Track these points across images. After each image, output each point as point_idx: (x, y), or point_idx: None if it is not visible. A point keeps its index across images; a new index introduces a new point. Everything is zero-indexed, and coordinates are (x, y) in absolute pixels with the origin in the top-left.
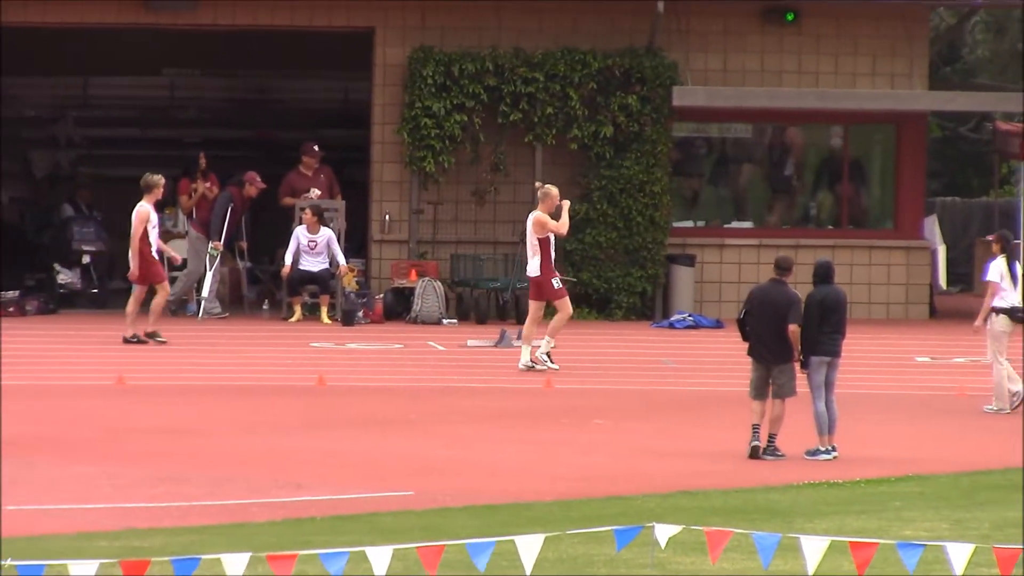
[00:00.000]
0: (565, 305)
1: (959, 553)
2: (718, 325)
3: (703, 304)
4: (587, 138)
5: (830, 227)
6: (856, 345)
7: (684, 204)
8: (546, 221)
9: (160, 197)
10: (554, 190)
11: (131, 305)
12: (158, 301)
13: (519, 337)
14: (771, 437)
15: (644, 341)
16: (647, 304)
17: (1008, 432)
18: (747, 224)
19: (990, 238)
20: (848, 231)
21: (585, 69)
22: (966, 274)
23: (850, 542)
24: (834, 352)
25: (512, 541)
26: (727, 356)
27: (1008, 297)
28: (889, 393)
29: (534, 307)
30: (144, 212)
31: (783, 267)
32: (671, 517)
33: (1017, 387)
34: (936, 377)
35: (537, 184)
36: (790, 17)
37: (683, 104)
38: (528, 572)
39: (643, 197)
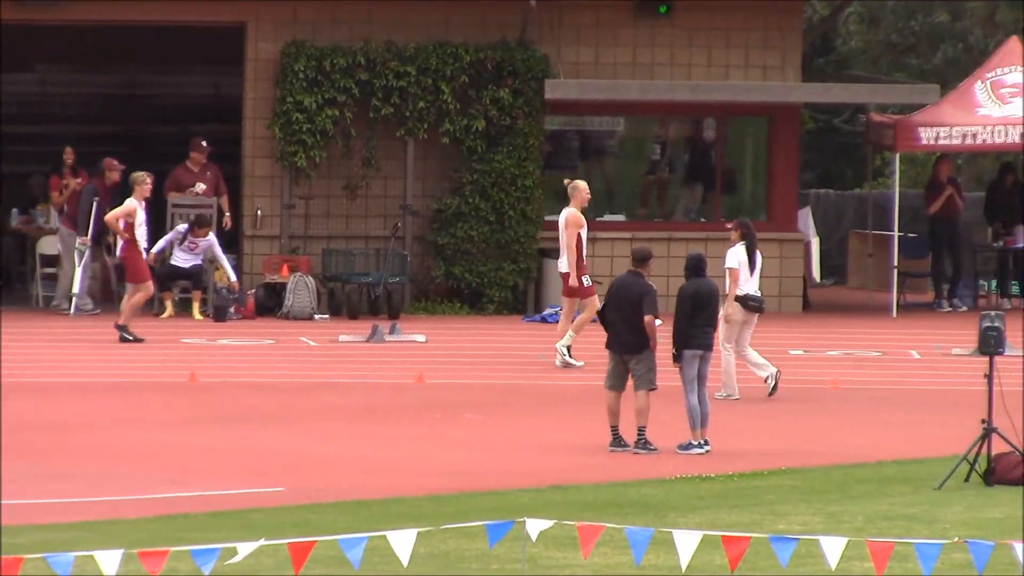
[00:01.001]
0: (592, 304)
1: (833, 547)
2: (553, 319)
3: None
4: (459, 132)
5: (703, 220)
6: None
7: (556, 198)
8: (578, 218)
9: (148, 195)
10: (582, 184)
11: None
12: (137, 299)
13: (391, 332)
14: (640, 430)
15: (516, 335)
16: (519, 298)
17: (881, 425)
18: (619, 217)
19: (729, 225)
20: (721, 223)
21: (457, 63)
22: (840, 266)
23: (723, 536)
24: (706, 346)
25: (384, 537)
26: (599, 350)
27: (745, 285)
28: (758, 387)
29: (567, 304)
30: (130, 207)
31: (640, 258)
32: (543, 512)
33: (766, 372)
34: (810, 370)
35: (566, 180)
36: (663, 10)
37: (555, 97)
38: (404, 566)
39: (515, 191)
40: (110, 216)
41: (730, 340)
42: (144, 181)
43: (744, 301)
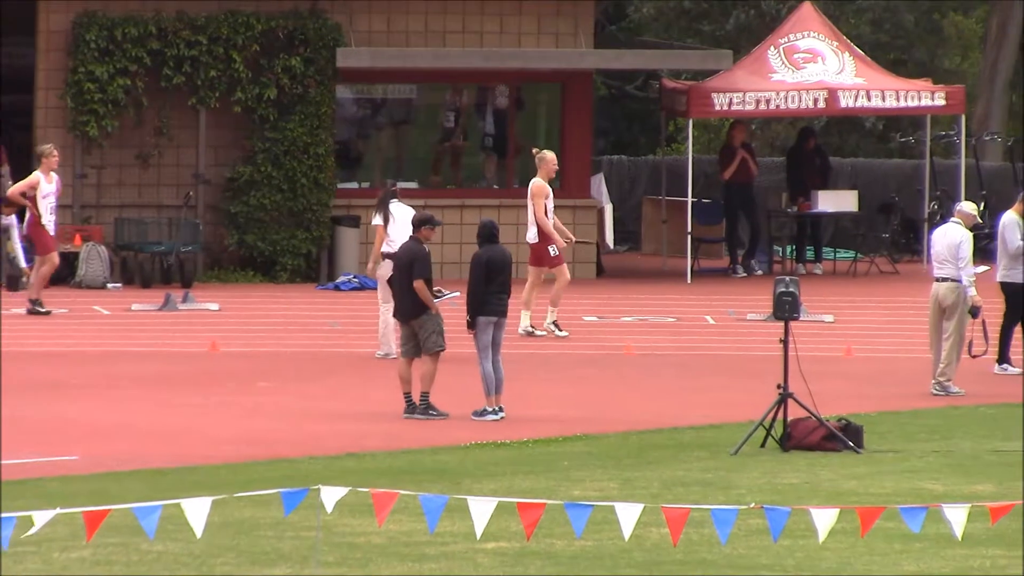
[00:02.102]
0: (562, 272)
1: (628, 513)
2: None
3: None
4: (251, 101)
5: (495, 187)
6: (522, 305)
7: (349, 165)
8: (543, 188)
9: (55, 167)
10: (550, 155)
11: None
12: (44, 271)
13: (184, 300)
14: (424, 395)
15: (309, 303)
16: (312, 266)
17: (677, 391)
18: (412, 185)
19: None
20: (514, 190)
21: (249, 32)
22: (634, 232)
23: (518, 503)
24: (500, 312)
25: (179, 505)
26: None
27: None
28: (557, 353)
29: (533, 272)
30: (34, 179)
31: (415, 223)
32: (338, 479)
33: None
34: (604, 336)
35: (534, 150)
36: None
37: (347, 66)
38: (199, 535)
39: (307, 159)
40: (13, 190)
41: (387, 300)
42: (51, 154)
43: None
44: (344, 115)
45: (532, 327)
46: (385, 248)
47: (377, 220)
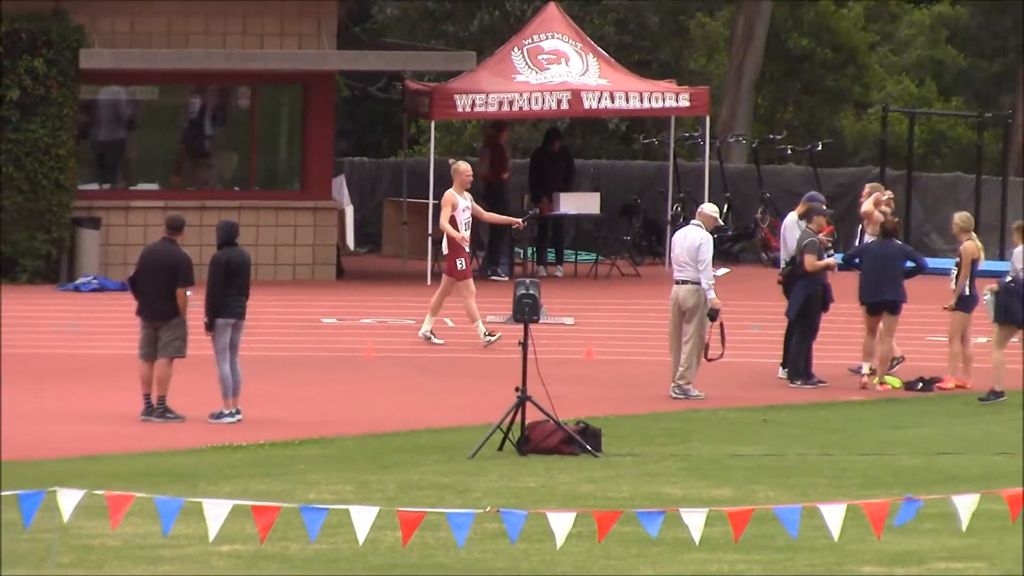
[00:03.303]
0: (466, 286)
1: (363, 516)
2: (124, 288)
3: (109, 267)
4: None
5: (236, 188)
6: (263, 307)
7: (91, 166)
8: (450, 197)
9: None
10: (462, 166)
11: None
12: None
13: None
14: (161, 399)
15: (50, 305)
16: (52, 267)
17: (416, 394)
18: (153, 186)
19: None
20: (255, 192)
21: None
22: (375, 234)
23: (253, 506)
24: (239, 314)
25: None
26: (132, 319)
27: None
28: (296, 355)
29: (445, 281)
30: None
31: (174, 226)
32: (74, 482)
33: None
34: (343, 338)
35: (451, 161)
36: None
37: (90, 67)
38: None
39: (49, 160)
40: None
41: None
42: None
43: None
44: (87, 117)
45: (431, 333)
46: None
47: None
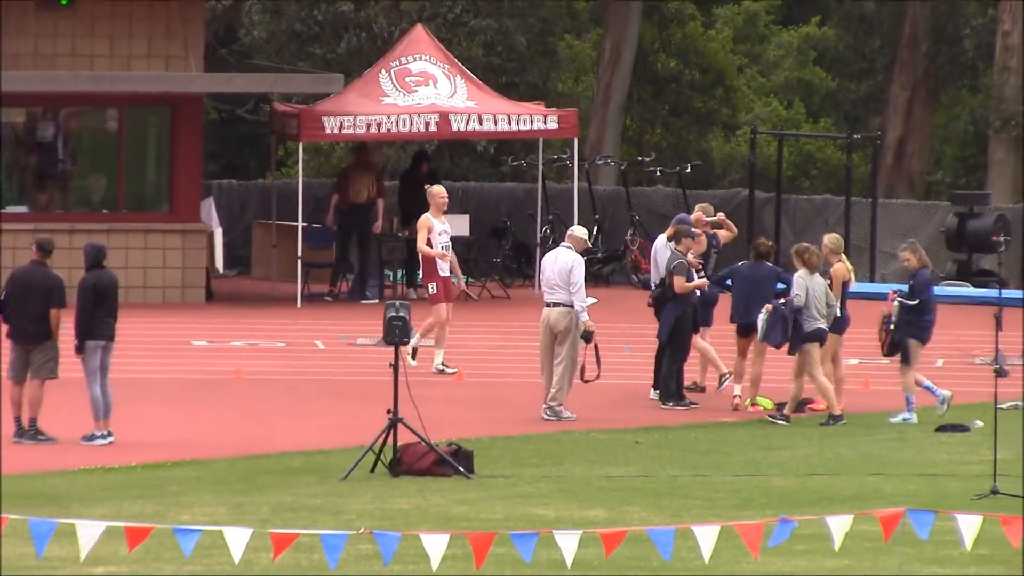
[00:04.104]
0: (436, 311)
1: (237, 538)
2: None
3: None
4: None
5: (105, 211)
6: (132, 329)
7: None
8: (423, 226)
9: None
10: (435, 189)
11: None
12: None
13: None
14: (32, 421)
15: None
16: None
17: (287, 416)
18: (22, 209)
19: None
20: (123, 214)
21: None
22: (244, 256)
23: (126, 527)
24: (109, 336)
25: None
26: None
27: None
28: (167, 377)
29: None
30: None
31: (44, 249)
32: None
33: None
34: (213, 360)
35: (426, 186)
36: (64, 1)
37: None
38: None
39: None
40: None
41: None
42: None
43: None
44: None
45: (444, 364)
46: None
47: None
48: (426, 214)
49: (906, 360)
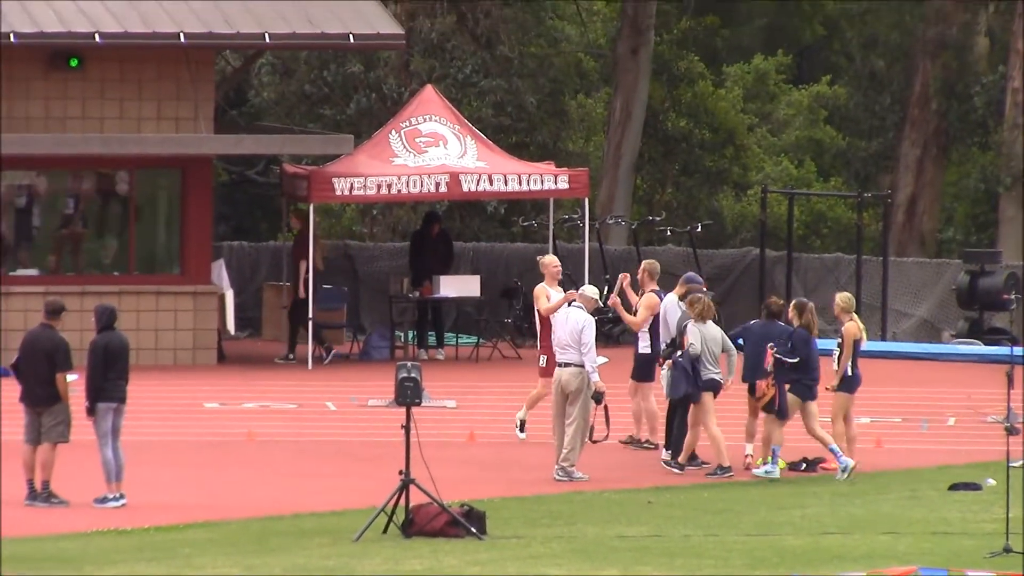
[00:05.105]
0: (544, 383)
1: None
2: (5, 373)
3: None
4: None
5: (116, 273)
6: (144, 391)
7: None
8: (540, 295)
9: None
10: (547, 259)
11: None
12: None
13: None
14: (45, 483)
15: None
16: None
17: (299, 477)
18: (33, 272)
19: None
20: (135, 276)
21: None
22: (255, 318)
23: None
24: (120, 398)
25: None
26: (16, 404)
27: None
28: (179, 439)
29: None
30: None
31: (52, 311)
32: None
33: None
34: (226, 422)
35: (538, 257)
36: (74, 63)
37: None
38: None
39: None
40: None
41: None
42: None
43: None
44: None
45: (520, 426)
46: None
47: None
48: (542, 284)
49: (782, 414)
